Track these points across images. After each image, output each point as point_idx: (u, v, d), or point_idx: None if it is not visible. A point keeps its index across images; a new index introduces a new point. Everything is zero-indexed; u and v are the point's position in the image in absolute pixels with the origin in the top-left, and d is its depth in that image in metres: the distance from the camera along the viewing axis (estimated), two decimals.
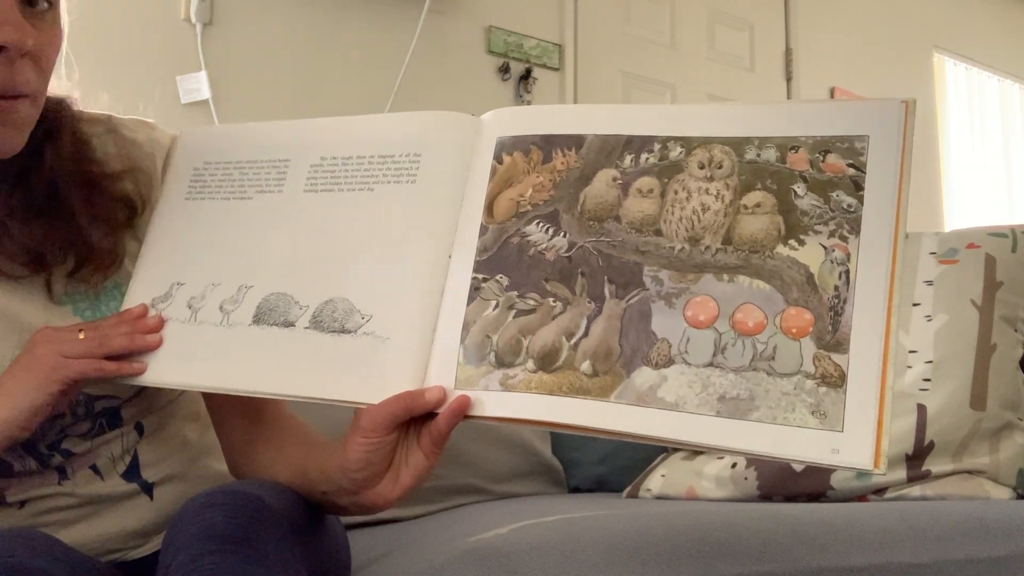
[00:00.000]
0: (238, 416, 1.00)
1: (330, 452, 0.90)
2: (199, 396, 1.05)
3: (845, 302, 0.82)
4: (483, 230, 0.96)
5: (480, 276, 0.95)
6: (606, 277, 0.87)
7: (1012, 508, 1.16)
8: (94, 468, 0.97)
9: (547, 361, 0.89)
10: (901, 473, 1.34)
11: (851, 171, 0.85)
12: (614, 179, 0.91)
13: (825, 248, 0.83)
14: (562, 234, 0.90)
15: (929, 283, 1.49)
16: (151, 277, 0.96)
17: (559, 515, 1.12)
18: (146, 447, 1.00)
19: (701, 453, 1.56)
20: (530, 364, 0.90)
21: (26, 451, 0.92)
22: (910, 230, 1.69)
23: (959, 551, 1.04)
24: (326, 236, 0.98)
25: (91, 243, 0.90)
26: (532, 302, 0.90)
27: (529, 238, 0.91)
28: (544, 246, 0.90)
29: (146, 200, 0.97)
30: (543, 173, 0.92)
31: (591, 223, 0.89)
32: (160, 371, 0.91)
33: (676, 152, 0.89)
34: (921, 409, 1.38)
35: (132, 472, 0.99)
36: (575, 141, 0.93)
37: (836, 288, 0.82)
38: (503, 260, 0.95)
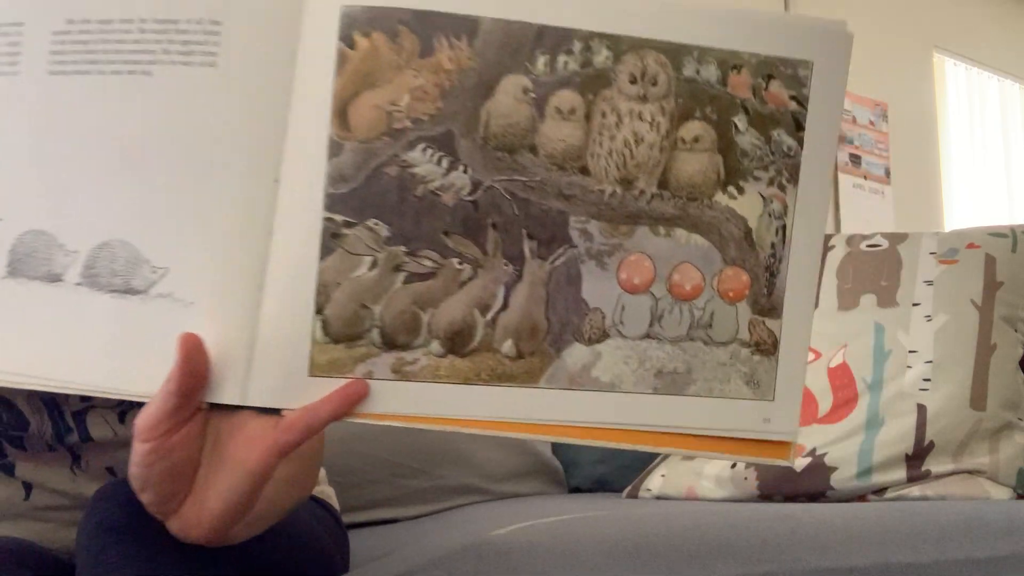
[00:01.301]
0: None
1: None
2: None
3: (780, 261, 0.68)
4: (335, 148, 0.63)
5: (339, 218, 0.63)
6: (524, 230, 0.63)
7: (1012, 508, 1.05)
8: (111, 471, 0.75)
9: (458, 342, 0.66)
10: (901, 473, 1.20)
11: (793, 105, 0.66)
12: (525, 90, 0.59)
13: (764, 198, 0.65)
14: (461, 168, 0.60)
15: (929, 283, 1.29)
16: None
17: (559, 515, 0.97)
18: None
19: None
20: (435, 346, 0.65)
21: (47, 406, 0.71)
22: (909, 230, 1.44)
23: (959, 551, 0.94)
24: (88, 144, 0.60)
25: None
26: (429, 263, 0.66)
27: (414, 170, 0.62)
28: (438, 184, 0.60)
29: None
30: (423, 72, 0.59)
31: (499, 154, 0.60)
32: None
33: (602, 56, 0.61)
34: (921, 409, 1.22)
35: None
36: (465, 25, 0.59)
37: (772, 246, 0.66)
38: (376, 198, 0.64)
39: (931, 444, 1.20)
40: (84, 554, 0.60)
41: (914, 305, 1.30)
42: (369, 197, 0.61)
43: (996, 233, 1.34)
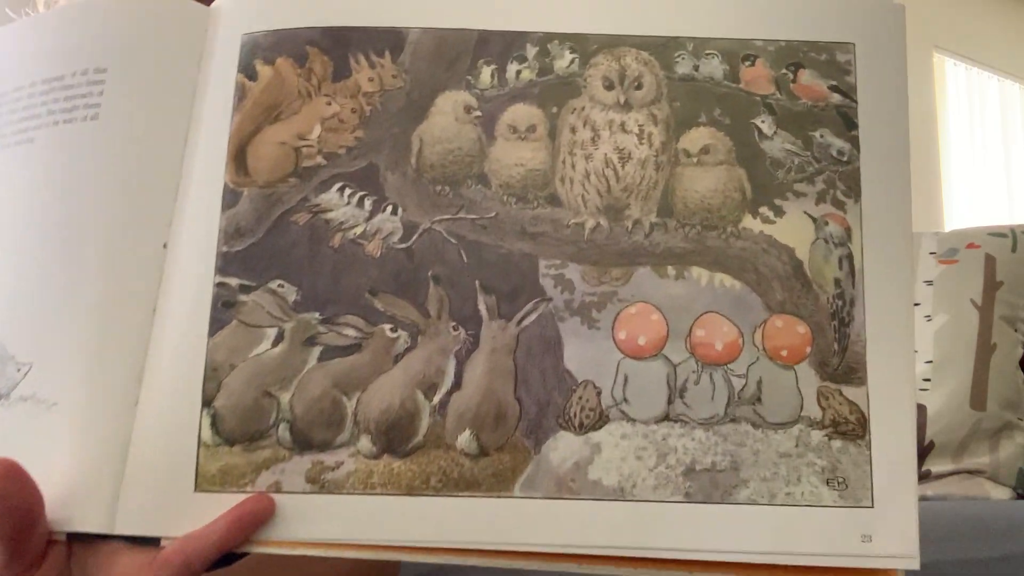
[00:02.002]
0: None
1: None
2: None
3: (852, 304, 0.46)
4: (231, 197, 0.47)
5: (235, 282, 0.45)
6: (478, 283, 0.43)
7: (1012, 508, 0.95)
8: None
9: (397, 436, 0.44)
10: None
11: (836, 98, 0.48)
12: (467, 108, 0.34)
13: (814, 220, 0.47)
14: (389, 208, 0.34)
15: (929, 283, 1.20)
16: None
17: None
18: None
19: None
20: (365, 443, 0.44)
21: None
22: None
23: (959, 551, 0.84)
24: None
25: None
26: (352, 332, 0.45)
27: (329, 216, 0.47)
28: (360, 230, 0.38)
29: None
30: (338, 97, 0.37)
31: (439, 188, 0.37)
32: None
33: (565, 60, 0.37)
34: (921, 409, 1.12)
35: None
36: (388, 39, 0.36)
37: (838, 283, 0.46)
38: (282, 254, 0.46)
39: (931, 444, 1.11)
40: None
41: (914, 305, 1.15)
42: (272, 253, 0.42)
43: (996, 233, 1.24)
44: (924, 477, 1.10)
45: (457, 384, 0.44)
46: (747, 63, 0.48)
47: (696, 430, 0.44)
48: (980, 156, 3.64)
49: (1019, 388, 1.15)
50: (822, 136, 0.47)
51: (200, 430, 0.43)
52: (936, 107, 3.48)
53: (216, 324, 0.44)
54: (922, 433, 1.11)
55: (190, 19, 0.49)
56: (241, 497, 0.43)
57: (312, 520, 0.43)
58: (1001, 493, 1.09)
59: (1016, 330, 1.18)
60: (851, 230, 0.46)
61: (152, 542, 0.42)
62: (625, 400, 0.44)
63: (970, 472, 1.09)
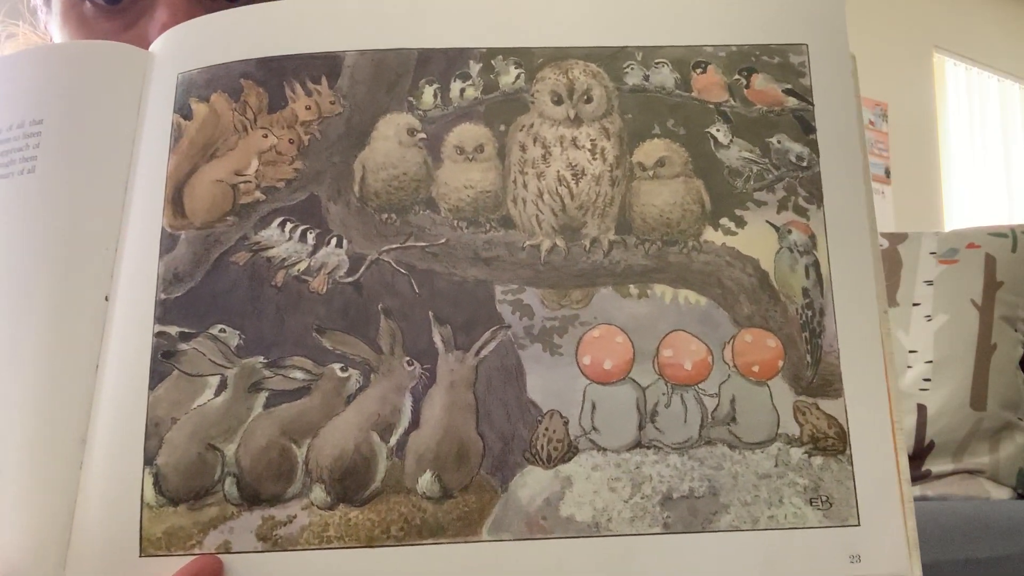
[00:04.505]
0: None
1: None
2: None
3: (823, 314, 0.42)
4: (169, 242, 0.42)
5: (174, 330, 0.41)
6: (431, 314, 0.40)
7: (1012, 508, 0.93)
8: None
9: (352, 484, 0.40)
10: None
11: (792, 101, 0.45)
12: (410, 131, 0.29)
13: (777, 228, 0.43)
14: (333, 241, 0.29)
15: (929, 283, 1.17)
16: None
17: None
18: None
19: None
20: (318, 493, 0.40)
21: None
22: (909, 230, 1.29)
23: (959, 551, 0.82)
24: None
25: None
26: (300, 374, 0.41)
27: (270, 253, 0.39)
28: (303, 266, 0.32)
29: None
30: (275, 128, 0.31)
31: (385, 216, 0.32)
32: None
33: (511, 76, 0.33)
34: (921, 409, 1.10)
35: None
36: (324, 65, 0.32)
37: (806, 292, 0.43)
38: (222, 298, 0.42)
39: (931, 444, 1.08)
40: None
41: (914, 305, 1.17)
42: (212, 297, 0.38)
43: (996, 233, 1.21)
44: (924, 477, 1.07)
45: (415, 423, 0.40)
46: (698, 70, 0.45)
47: (671, 456, 0.41)
48: (980, 156, 3.53)
49: (1019, 388, 1.13)
50: (779, 142, 0.44)
51: (143, 491, 0.39)
52: (936, 107, 3.38)
53: (156, 376, 0.40)
54: (922, 433, 1.08)
55: (127, 64, 0.45)
56: (187, 560, 0.38)
57: None
58: (1001, 493, 1.07)
59: (1016, 330, 1.15)
60: (815, 237, 0.43)
61: None
62: (594, 428, 0.41)
63: (970, 472, 1.07)
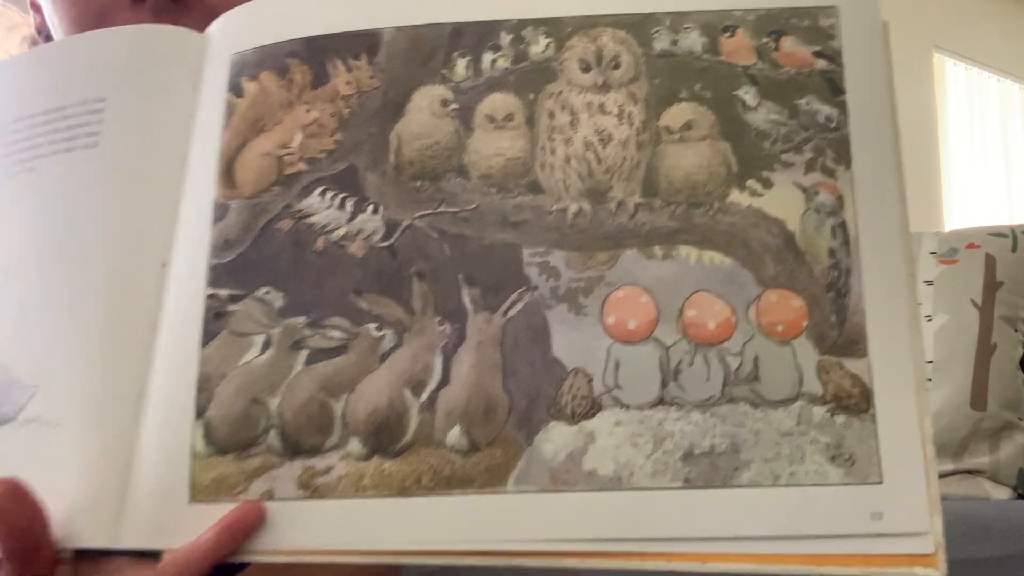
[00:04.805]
0: None
1: None
2: None
3: (849, 275, 0.42)
4: (220, 211, 0.45)
5: (224, 293, 0.43)
6: (461, 276, 0.43)
7: (1012, 508, 0.95)
8: None
9: (386, 436, 0.42)
10: None
11: (821, 63, 0.45)
12: (443, 102, 0.31)
13: (804, 190, 0.43)
14: (370, 208, 0.33)
15: (929, 283, 1.18)
16: None
17: None
18: None
19: None
20: (355, 445, 0.42)
21: None
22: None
23: (959, 551, 0.77)
24: None
25: None
26: (338, 334, 0.43)
27: (311, 220, 0.45)
28: (342, 232, 0.35)
29: None
30: (317, 104, 0.35)
31: (418, 183, 0.34)
32: None
33: (540, 45, 0.33)
34: None
35: None
36: (363, 42, 0.35)
37: (832, 253, 0.43)
38: (266, 262, 0.44)
39: None
40: None
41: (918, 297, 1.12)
42: (258, 262, 0.41)
43: (996, 233, 1.21)
44: None
45: (445, 380, 0.42)
46: (727, 34, 0.45)
47: (693, 413, 0.42)
48: (980, 156, 3.52)
49: (1019, 388, 1.13)
50: (808, 103, 0.44)
51: (193, 442, 0.42)
52: (936, 107, 3.37)
53: (207, 335, 0.43)
54: None
55: (186, 47, 0.48)
56: (233, 507, 0.41)
57: (306, 527, 0.41)
58: (1001, 493, 1.07)
59: (1016, 330, 1.16)
60: (843, 198, 0.43)
61: (155, 555, 0.42)
62: (617, 386, 0.42)
63: (970, 472, 1.07)
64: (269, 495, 0.41)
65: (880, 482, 0.40)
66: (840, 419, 0.41)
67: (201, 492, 0.41)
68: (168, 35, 0.48)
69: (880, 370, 0.41)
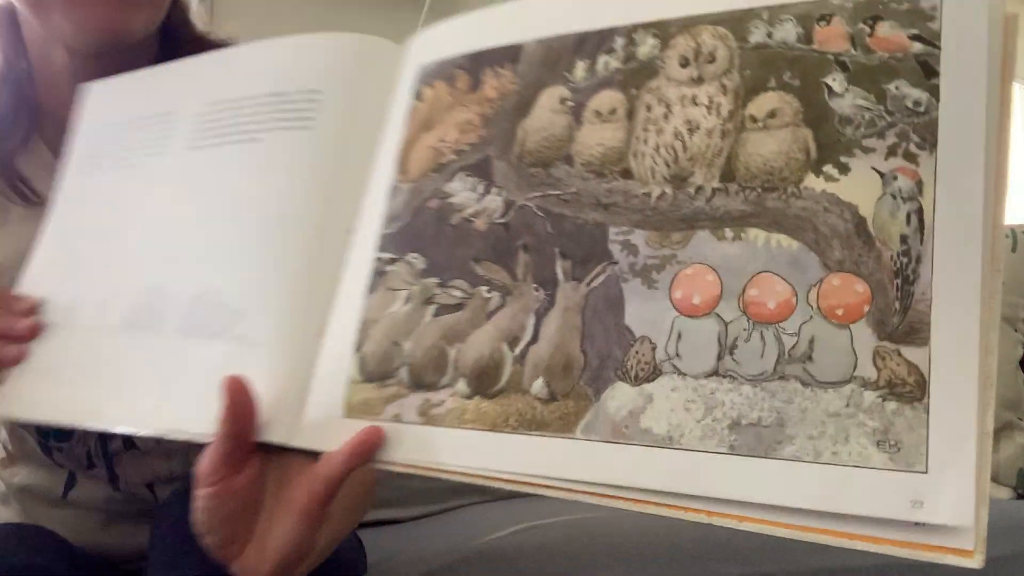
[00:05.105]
0: None
1: None
2: None
3: (919, 262, 0.42)
4: (394, 192, 0.56)
5: (386, 256, 0.54)
6: (557, 250, 0.48)
7: (1012, 508, 0.96)
8: (150, 487, 0.71)
9: (485, 381, 0.50)
10: None
11: (917, 47, 0.44)
12: (562, 100, 0.40)
13: (882, 175, 0.41)
14: (495, 191, 0.40)
15: None
16: (39, 271, 0.62)
17: (560, 516, 0.86)
18: None
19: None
20: (461, 385, 0.50)
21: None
22: None
23: None
24: (208, 204, 0.57)
25: None
26: (459, 293, 0.52)
27: (452, 200, 0.55)
28: (472, 210, 0.46)
29: None
30: (471, 105, 0.45)
31: (533, 170, 0.42)
32: (19, 391, 0.57)
33: (648, 46, 0.39)
34: None
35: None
36: (510, 54, 0.44)
37: (904, 239, 0.43)
38: (418, 233, 0.54)
39: None
40: (160, 549, 0.56)
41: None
42: (412, 232, 0.53)
43: None
44: None
45: (535, 338, 0.50)
46: (822, 23, 0.47)
47: (744, 386, 0.44)
48: None
49: (1019, 388, 1.13)
50: (897, 88, 0.44)
51: (351, 370, 0.54)
52: None
53: (371, 289, 0.55)
54: None
55: (388, 57, 0.60)
56: (372, 423, 0.52)
57: (421, 446, 0.51)
58: (1001, 493, 1.05)
59: (1016, 330, 1.14)
60: (923, 183, 0.43)
61: (315, 455, 0.54)
62: (677, 355, 0.46)
63: None
64: (397, 418, 0.51)
65: (925, 471, 0.39)
66: (891, 405, 0.41)
67: (352, 410, 0.53)
68: (376, 45, 0.61)
69: (941, 361, 0.40)
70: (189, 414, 0.53)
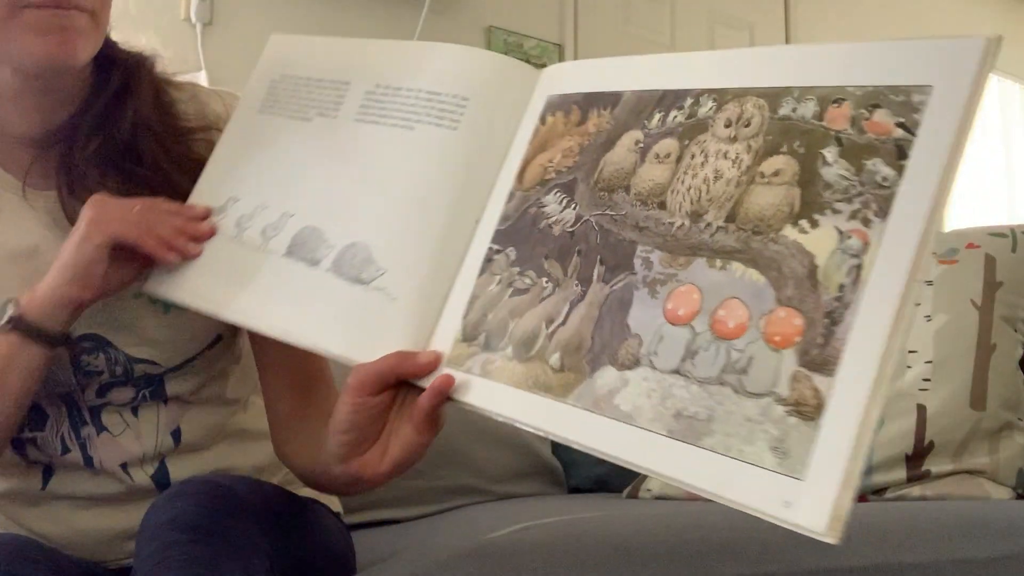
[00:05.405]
0: (290, 391, 0.76)
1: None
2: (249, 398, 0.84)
3: (848, 308, 0.51)
4: (510, 197, 0.70)
5: (495, 247, 0.68)
6: (599, 257, 0.58)
7: (1012, 508, 0.95)
8: (124, 468, 0.76)
9: (523, 349, 0.63)
10: (901, 473, 1.09)
11: (898, 132, 0.51)
12: (636, 142, 0.58)
13: (840, 233, 0.45)
14: (573, 206, 0.56)
15: (929, 283, 1.17)
16: (212, 187, 0.74)
17: (559, 516, 0.88)
18: (177, 459, 0.79)
19: None
20: (509, 350, 0.64)
21: (64, 402, 0.74)
22: None
23: (959, 551, 0.82)
24: (364, 172, 0.69)
25: (178, 190, 0.71)
26: (528, 281, 0.66)
27: (544, 209, 0.69)
28: (554, 219, 0.59)
29: None
30: (575, 136, 0.60)
31: (602, 194, 0.59)
32: (183, 279, 0.70)
33: (706, 108, 0.53)
34: (921, 409, 1.11)
35: (159, 474, 0.78)
36: (612, 99, 0.58)
37: (841, 288, 0.50)
38: (518, 232, 0.68)
39: (931, 444, 1.08)
40: (152, 544, 0.58)
41: (914, 305, 1.14)
42: (514, 231, 0.69)
43: (996, 233, 1.19)
44: (924, 477, 1.06)
45: (564, 322, 0.63)
46: (835, 104, 0.56)
47: (693, 385, 0.54)
48: (980, 156, 3.44)
49: (1019, 388, 1.12)
50: (874, 164, 0.52)
51: (456, 330, 0.69)
52: None
53: (481, 271, 0.70)
54: (922, 433, 1.08)
55: (528, 81, 0.72)
56: (459, 372, 0.65)
57: (476, 393, 0.64)
58: (1001, 493, 1.05)
59: (1016, 330, 1.14)
60: (869, 244, 0.50)
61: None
62: (655, 353, 0.57)
63: (970, 472, 1.06)
64: (470, 370, 0.65)
65: (802, 480, 0.48)
66: (792, 420, 0.50)
67: (450, 361, 0.67)
68: (521, 70, 0.73)
69: (839, 391, 0.48)
70: (326, 335, 0.68)
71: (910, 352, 1.14)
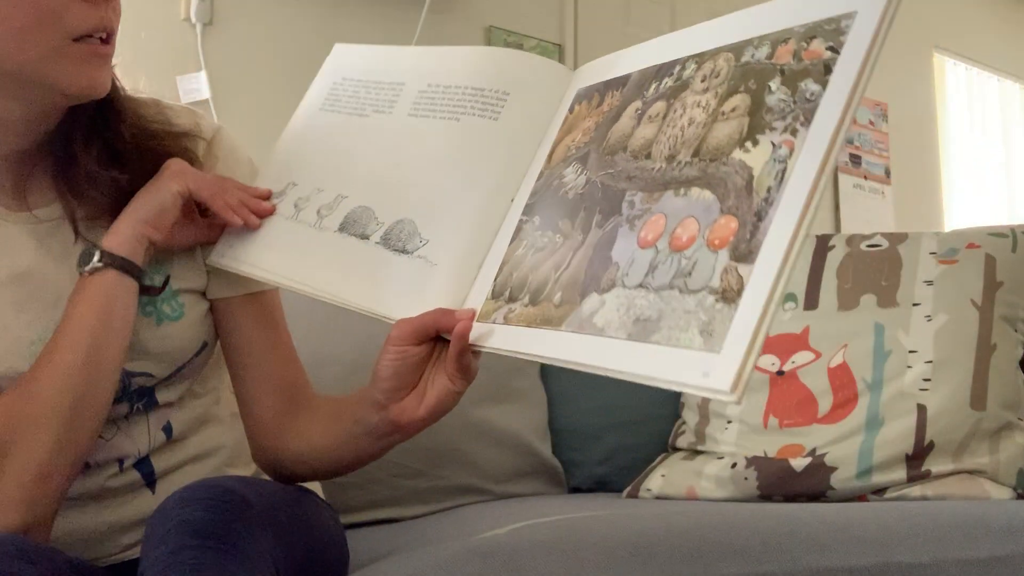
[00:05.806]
0: (274, 396, 0.80)
1: (360, 394, 0.74)
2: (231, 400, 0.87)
3: (771, 205, 0.57)
4: (540, 175, 0.80)
5: (524, 218, 0.78)
6: (598, 208, 0.65)
7: (1012, 508, 0.92)
8: (120, 463, 0.80)
9: (535, 295, 0.71)
10: (901, 473, 1.09)
11: (827, 55, 0.55)
12: (636, 110, 0.66)
13: (774, 145, 0.52)
14: (585, 173, 0.66)
15: (929, 283, 1.18)
16: (275, 173, 0.83)
17: (559, 515, 0.91)
18: (165, 453, 0.83)
19: (701, 453, 1.28)
20: (527, 299, 0.72)
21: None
22: (909, 230, 1.27)
23: (959, 551, 0.82)
24: (413, 158, 0.78)
25: None
26: (547, 240, 0.75)
27: (564, 179, 0.74)
28: (570, 186, 0.67)
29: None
30: (593, 116, 0.72)
31: (607, 157, 0.66)
32: (244, 252, 0.78)
33: (690, 70, 0.64)
34: (921, 409, 1.11)
35: (143, 465, 0.82)
36: (623, 81, 0.70)
37: (768, 190, 0.57)
38: (542, 202, 0.77)
39: (931, 444, 1.07)
40: (160, 549, 0.57)
41: (914, 305, 1.17)
42: (540, 202, 0.79)
43: (996, 233, 1.20)
44: (924, 477, 1.06)
45: (568, 266, 0.71)
46: (783, 44, 0.62)
47: (651, 294, 0.60)
48: (980, 156, 3.48)
49: (1019, 388, 1.12)
50: (805, 84, 0.58)
51: (488, 290, 0.78)
52: (936, 107, 3.32)
53: (512, 239, 0.80)
54: (922, 433, 1.08)
55: (562, 80, 0.82)
56: (486, 324, 0.75)
57: (497, 337, 0.73)
58: (1001, 493, 1.05)
59: (1016, 330, 1.14)
60: (794, 150, 0.56)
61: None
62: (627, 274, 0.64)
63: (970, 472, 1.06)
64: (494, 320, 0.75)
65: (719, 353, 0.53)
66: (719, 306, 0.55)
67: (481, 316, 0.75)
68: (557, 71, 0.83)
69: (755, 275, 0.54)
70: (373, 296, 0.77)
71: (910, 352, 1.13)
